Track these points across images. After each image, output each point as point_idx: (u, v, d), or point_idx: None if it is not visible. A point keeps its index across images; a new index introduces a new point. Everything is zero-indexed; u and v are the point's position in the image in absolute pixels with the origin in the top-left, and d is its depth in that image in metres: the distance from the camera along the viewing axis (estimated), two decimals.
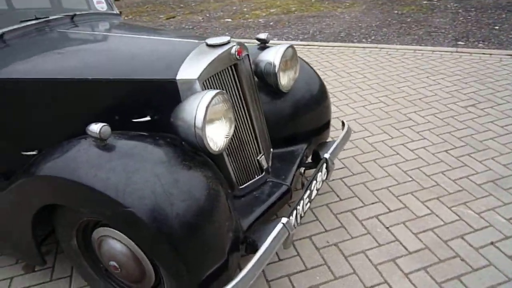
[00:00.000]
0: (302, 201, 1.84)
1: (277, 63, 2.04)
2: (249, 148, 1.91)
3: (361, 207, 2.36)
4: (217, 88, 1.73)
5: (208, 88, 1.68)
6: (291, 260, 2.04)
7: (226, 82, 1.77)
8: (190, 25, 7.32)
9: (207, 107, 1.49)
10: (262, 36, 2.36)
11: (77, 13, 2.50)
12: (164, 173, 1.39)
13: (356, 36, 5.60)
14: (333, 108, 3.50)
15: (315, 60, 4.67)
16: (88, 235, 1.70)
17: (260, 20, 7.16)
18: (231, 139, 1.80)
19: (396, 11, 6.63)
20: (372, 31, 5.76)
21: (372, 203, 2.38)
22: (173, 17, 8.02)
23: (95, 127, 1.40)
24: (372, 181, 2.57)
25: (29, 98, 1.88)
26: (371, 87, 3.87)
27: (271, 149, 2.17)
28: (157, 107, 1.70)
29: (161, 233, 1.31)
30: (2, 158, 2.10)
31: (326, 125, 2.44)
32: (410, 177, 2.58)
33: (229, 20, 7.40)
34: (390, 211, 2.31)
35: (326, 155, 2.11)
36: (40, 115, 1.91)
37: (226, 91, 1.76)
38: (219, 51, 1.71)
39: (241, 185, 1.89)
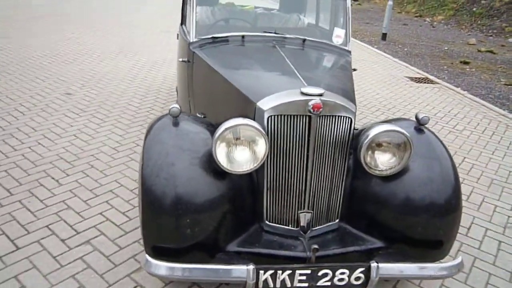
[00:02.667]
0: (289, 271, 1.74)
1: (369, 137, 1.85)
2: (293, 198, 1.93)
3: None
4: (282, 128, 1.85)
5: (273, 122, 1.85)
6: None
7: (295, 128, 1.85)
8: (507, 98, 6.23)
9: (226, 129, 1.72)
10: (421, 115, 2.10)
11: (309, 38, 2.99)
12: (171, 154, 1.79)
13: None
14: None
15: None
16: None
17: None
18: (278, 179, 1.90)
19: None
20: None
21: None
22: (511, 85, 7.00)
23: (171, 106, 1.94)
24: None
25: (211, 81, 2.60)
26: None
27: (336, 220, 2.04)
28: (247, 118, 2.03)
29: (141, 189, 1.76)
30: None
31: (429, 244, 1.95)
32: None
33: None
34: None
35: (373, 264, 1.79)
36: (209, 93, 2.63)
37: (291, 136, 1.86)
38: (298, 98, 1.82)
39: (270, 222, 1.97)
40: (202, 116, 2.65)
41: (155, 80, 5.74)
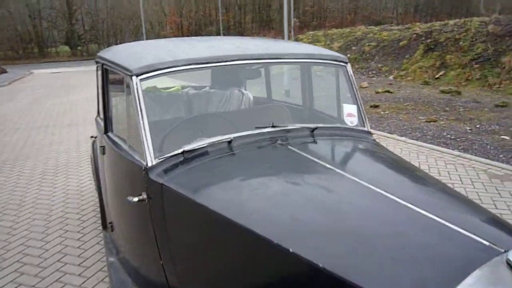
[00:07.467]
0: None
1: None
2: None
3: None
4: None
5: None
6: None
7: None
8: (452, 134, 6.24)
9: None
10: None
11: (320, 125, 2.08)
12: None
13: None
14: None
15: None
16: None
17: None
18: None
19: None
20: None
21: None
22: (434, 121, 7.11)
23: None
24: None
25: (216, 235, 1.48)
26: None
27: None
28: None
29: None
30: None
31: None
32: None
33: (507, 138, 5.91)
34: None
35: None
36: (214, 256, 1.47)
37: None
38: None
39: None
40: None
41: (54, 197, 4.17)
